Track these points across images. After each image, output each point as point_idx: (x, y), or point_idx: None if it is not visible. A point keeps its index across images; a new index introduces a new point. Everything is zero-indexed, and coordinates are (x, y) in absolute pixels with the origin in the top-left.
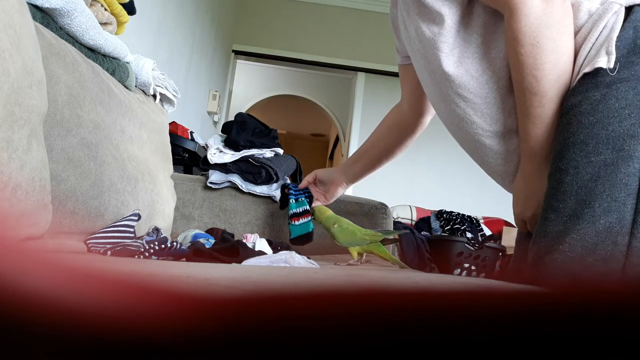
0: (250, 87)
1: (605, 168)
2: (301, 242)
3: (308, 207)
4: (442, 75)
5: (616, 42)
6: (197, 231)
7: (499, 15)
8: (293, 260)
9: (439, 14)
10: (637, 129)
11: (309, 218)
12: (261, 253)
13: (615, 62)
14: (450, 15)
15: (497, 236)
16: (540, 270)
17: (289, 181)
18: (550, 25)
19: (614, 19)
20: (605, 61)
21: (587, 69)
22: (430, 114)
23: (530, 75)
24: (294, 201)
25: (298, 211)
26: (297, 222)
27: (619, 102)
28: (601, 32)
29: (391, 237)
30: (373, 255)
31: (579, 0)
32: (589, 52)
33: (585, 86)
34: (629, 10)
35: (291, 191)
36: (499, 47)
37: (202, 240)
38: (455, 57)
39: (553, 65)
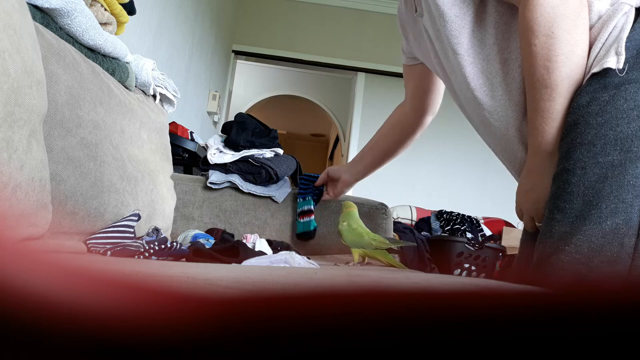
0: (250, 87)
1: (612, 169)
2: (304, 238)
3: (312, 207)
4: (462, 78)
5: (626, 42)
6: (197, 231)
7: (510, 15)
8: (293, 261)
9: (452, 15)
10: None
11: (312, 217)
12: (261, 253)
13: (625, 63)
14: (462, 16)
15: (497, 236)
16: (546, 270)
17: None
18: (566, 16)
19: (624, 20)
20: (615, 62)
21: (595, 69)
22: (432, 115)
23: (543, 66)
24: (301, 199)
25: (304, 209)
26: (302, 220)
27: (627, 104)
28: (611, 32)
29: (396, 247)
30: (374, 259)
31: (589, 0)
32: (599, 52)
33: (594, 86)
34: (639, 11)
35: (300, 190)
36: (512, 47)
37: (202, 240)
38: (471, 58)
39: (566, 57)
